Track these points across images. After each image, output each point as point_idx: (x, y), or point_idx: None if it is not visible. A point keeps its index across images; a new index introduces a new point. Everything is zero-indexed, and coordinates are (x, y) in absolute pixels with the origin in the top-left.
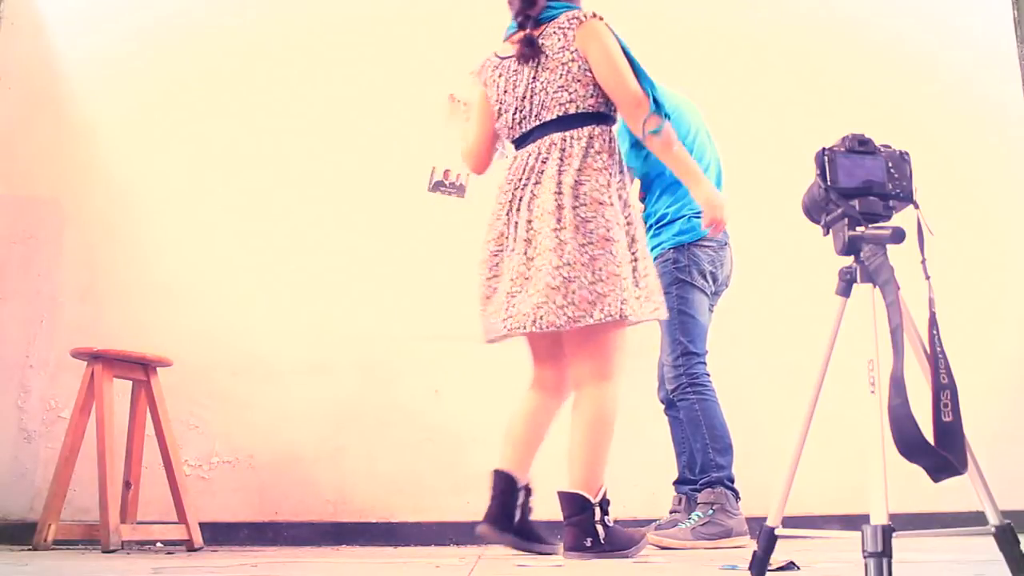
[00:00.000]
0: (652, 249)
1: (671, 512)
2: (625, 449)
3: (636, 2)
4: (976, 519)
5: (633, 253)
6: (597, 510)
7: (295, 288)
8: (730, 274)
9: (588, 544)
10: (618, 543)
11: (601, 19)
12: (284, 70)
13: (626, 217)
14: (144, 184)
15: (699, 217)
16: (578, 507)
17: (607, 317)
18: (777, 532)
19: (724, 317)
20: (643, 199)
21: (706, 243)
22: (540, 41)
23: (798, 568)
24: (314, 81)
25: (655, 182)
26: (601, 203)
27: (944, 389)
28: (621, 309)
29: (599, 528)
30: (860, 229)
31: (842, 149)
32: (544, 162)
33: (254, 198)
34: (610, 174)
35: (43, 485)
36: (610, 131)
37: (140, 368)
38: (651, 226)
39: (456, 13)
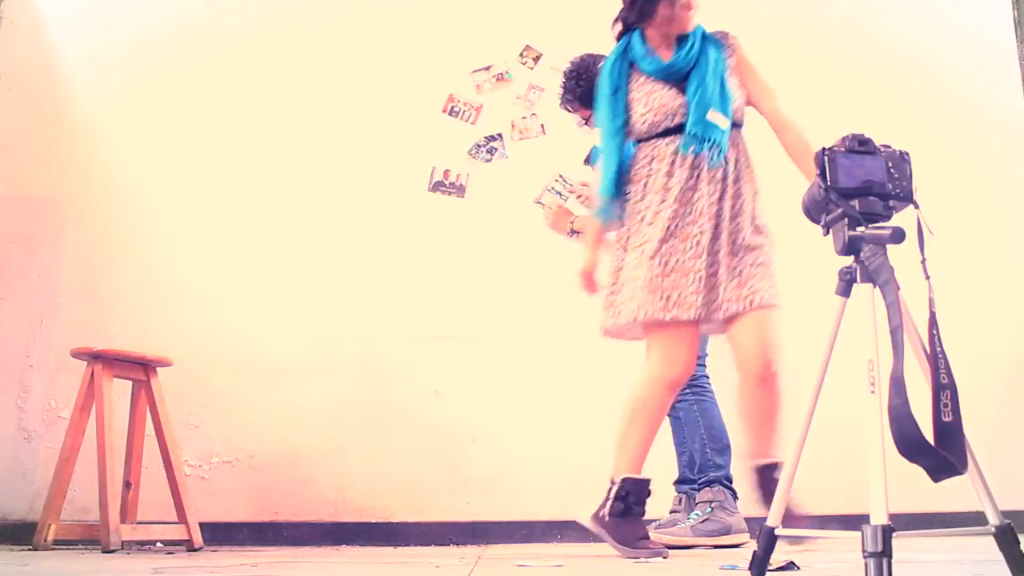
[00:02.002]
0: None
1: (671, 511)
2: None
3: None
4: (976, 519)
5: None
6: (613, 488)
7: (295, 288)
8: None
9: (599, 515)
10: (617, 533)
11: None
12: (284, 70)
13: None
14: (144, 184)
15: None
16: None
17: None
18: (777, 532)
19: None
20: None
21: None
22: None
23: (798, 568)
24: (314, 81)
25: None
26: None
27: (944, 389)
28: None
29: (607, 505)
30: (860, 229)
31: (842, 149)
32: None
33: (254, 198)
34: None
35: (43, 485)
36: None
37: (140, 368)
38: None
39: (456, 14)
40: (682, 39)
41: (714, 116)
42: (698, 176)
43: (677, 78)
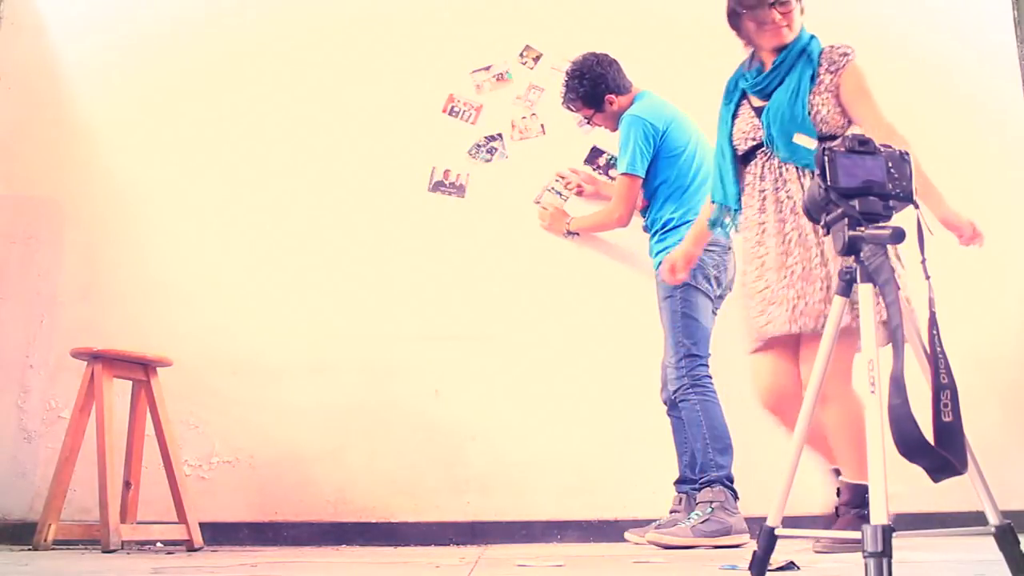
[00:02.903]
0: (657, 254)
1: (671, 511)
2: (626, 449)
3: (637, 2)
4: (976, 519)
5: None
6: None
7: (295, 288)
8: (733, 279)
9: None
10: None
11: None
12: (284, 70)
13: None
14: (144, 184)
15: None
16: None
17: None
18: (777, 532)
19: (726, 319)
20: (646, 207)
21: (711, 247)
22: None
23: (798, 568)
24: (314, 81)
25: (659, 189)
26: None
27: (944, 389)
28: None
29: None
30: (860, 229)
31: (842, 149)
32: None
33: (254, 198)
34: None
35: (43, 485)
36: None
37: (140, 368)
38: (656, 231)
39: (456, 14)
40: (781, 52)
41: (800, 139)
42: (764, 199)
43: (765, 96)
